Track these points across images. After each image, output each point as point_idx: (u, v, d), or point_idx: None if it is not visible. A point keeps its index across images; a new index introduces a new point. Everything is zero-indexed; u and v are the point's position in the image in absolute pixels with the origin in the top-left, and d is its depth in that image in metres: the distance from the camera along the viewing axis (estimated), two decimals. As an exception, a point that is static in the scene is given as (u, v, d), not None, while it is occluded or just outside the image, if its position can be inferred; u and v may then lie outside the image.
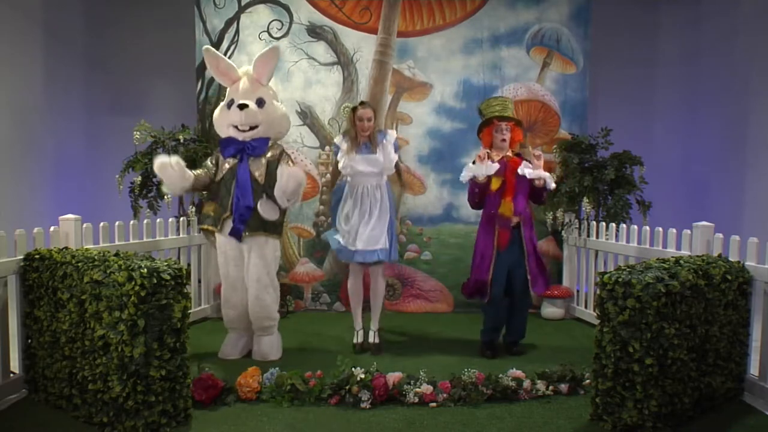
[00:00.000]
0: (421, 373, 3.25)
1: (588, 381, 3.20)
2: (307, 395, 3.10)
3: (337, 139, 4.19)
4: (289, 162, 3.84)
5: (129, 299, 2.57)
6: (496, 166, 3.81)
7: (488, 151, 3.86)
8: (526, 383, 3.20)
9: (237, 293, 3.85)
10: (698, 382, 2.91)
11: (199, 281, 4.92)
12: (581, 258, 5.04)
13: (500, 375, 3.23)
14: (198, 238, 4.83)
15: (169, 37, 6.30)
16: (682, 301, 2.75)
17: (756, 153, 5.55)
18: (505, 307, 3.93)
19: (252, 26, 5.31)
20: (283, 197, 3.64)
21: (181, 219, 4.68)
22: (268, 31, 5.32)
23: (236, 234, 3.71)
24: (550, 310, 5.09)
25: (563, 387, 3.24)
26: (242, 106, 3.69)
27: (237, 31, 5.32)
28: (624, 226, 4.53)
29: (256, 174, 3.72)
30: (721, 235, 3.49)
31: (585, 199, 4.82)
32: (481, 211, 4.02)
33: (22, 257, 3.17)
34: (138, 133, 4.71)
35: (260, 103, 3.78)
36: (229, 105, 3.80)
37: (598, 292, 2.86)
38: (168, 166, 3.52)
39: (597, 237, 4.80)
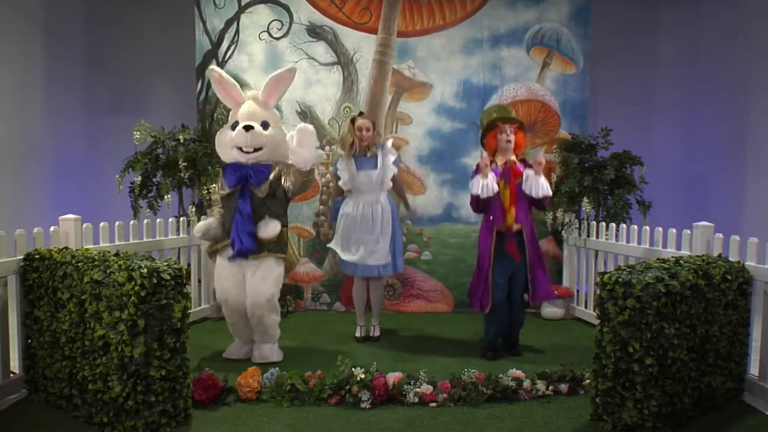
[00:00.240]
0: (421, 373, 3.25)
1: (588, 381, 3.20)
2: (307, 395, 3.11)
3: (339, 162, 4.24)
4: (290, 180, 3.83)
5: (129, 299, 2.57)
6: (495, 188, 3.72)
7: (490, 158, 3.79)
8: (526, 383, 3.20)
9: (237, 309, 3.76)
10: (698, 382, 2.91)
11: (199, 281, 4.92)
12: (581, 258, 5.04)
13: (500, 375, 3.23)
14: (198, 238, 4.82)
15: (169, 37, 6.30)
16: (682, 301, 2.75)
17: (756, 153, 5.55)
18: (507, 313, 3.87)
19: (252, 26, 5.31)
20: (301, 157, 3.80)
21: (181, 219, 4.67)
22: (268, 31, 5.32)
23: (237, 257, 3.72)
24: (550, 310, 5.09)
25: (563, 387, 3.24)
26: (248, 128, 3.66)
27: (237, 31, 5.32)
28: (624, 226, 4.53)
29: (258, 194, 3.71)
30: (721, 235, 3.49)
31: (585, 199, 4.82)
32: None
33: (22, 257, 3.17)
34: (138, 133, 4.71)
35: (265, 126, 3.74)
36: (233, 127, 3.75)
37: (598, 292, 2.86)
38: (209, 228, 3.80)
39: (597, 237, 4.80)
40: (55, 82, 6.13)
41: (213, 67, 3.91)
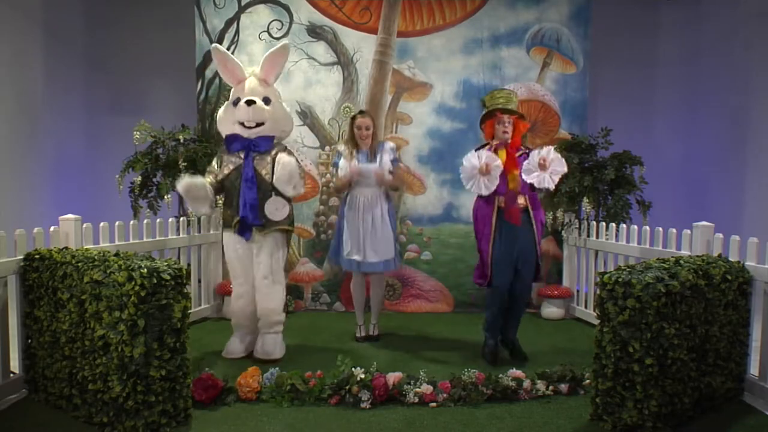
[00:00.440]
0: (421, 373, 3.25)
1: (588, 381, 3.20)
2: (307, 395, 3.11)
3: (340, 147, 4.22)
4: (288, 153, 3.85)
5: (129, 299, 2.57)
6: (496, 181, 3.63)
7: (486, 164, 3.65)
8: (526, 383, 3.20)
9: (247, 290, 3.89)
10: (698, 382, 2.91)
11: (199, 281, 4.92)
12: (581, 258, 5.04)
13: (500, 375, 3.23)
14: (198, 238, 4.83)
15: (169, 37, 6.30)
16: (682, 301, 2.75)
17: (756, 153, 5.55)
18: (506, 295, 3.76)
19: (252, 26, 5.31)
20: (279, 185, 3.68)
21: (181, 219, 4.68)
22: (268, 31, 5.32)
23: (245, 229, 3.76)
24: (550, 310, 5.09)
25: (563, 387, 3.24)
26: (250, 102, 3.72)
27: (237, 31, 5.32)
28: (624, 226, 4.53)
29: (263, 173, 3.74)
30: (721, 235, 3.49)
31: (585, 199, 4.82)
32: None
33: (22, 257, 3.17)
34: (138, 133, 4.71)
35: (266, 101, 3.81)
36: (235, 103, 3.81)
37: (598, 292, 2.86)
38: (194, 188, 3.62)
39: (597, 237, 4.80)
40: (55, 82, 6.13)
41: (216, 45, 3.92)
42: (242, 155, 3.78)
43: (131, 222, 4.16)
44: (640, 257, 4.15)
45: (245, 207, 3.71)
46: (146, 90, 6.58)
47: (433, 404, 3.07)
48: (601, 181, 4.81)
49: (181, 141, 4.79)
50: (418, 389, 3.11)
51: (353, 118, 4.18)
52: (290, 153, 3.88)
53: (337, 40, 5.31)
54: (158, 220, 4.42)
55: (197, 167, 4.73)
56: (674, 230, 3.97)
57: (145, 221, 4.35)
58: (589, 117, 5.45)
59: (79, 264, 2.83)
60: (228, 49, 5.31)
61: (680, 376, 2.75)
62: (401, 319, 5.02)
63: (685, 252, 3.77)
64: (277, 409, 3.01)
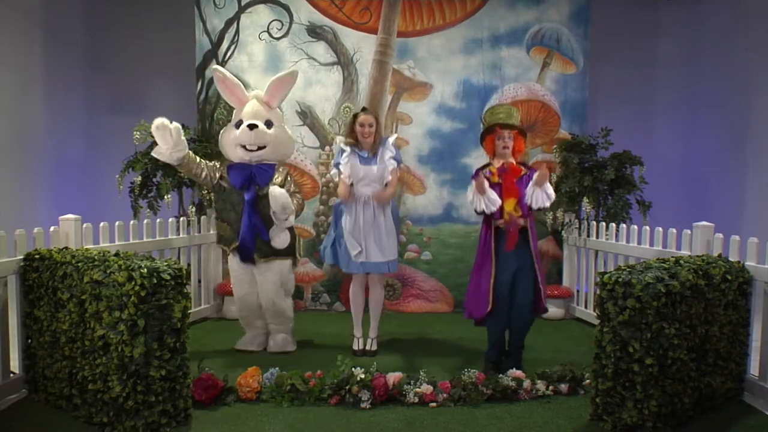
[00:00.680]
0: (421, 373, 3.25)
1: (588, 381, 3.20)
2: (307, 395, 3.11)
3: (338, 143, 4.14)
4: (291, 187, 3.90)
5: (129, 299, 2.57)
6: (497, 201, 3.55)
7: (485, 179, 3.58)
8: (526, 383, 3.20)
9: (250, 304, 3.97)
10: (698, 382, 2.91)
11: (199, 281, 4.92)
12: (581, 258, 5.04)
13: (500, 375, 3.23)
14: (198, 238, 4.83)
15: (169, 37, 6.30)
16: (682, 301, 2.75)
17: (756, 153, 5.55)
18: (507, 316, 3.60)
19: (252, 26, 5.31)
20: (274, 217, 3.75)
21: (182, 219, 4.67)
22: (268, 31, 5.32)
23: (248, 257, 3.83)
24: (550, 310, 5.06)
25: (563, 387, 3.24)
26: (252, 126, 3.73)
27: (237, 31, 5.32)
28: (624, 226, 4.53)
29: (264, 202, 3.76)
30: (721, 235, 3.49)
31: (585, 199, 4.82)
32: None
33: (22, 257, 3.17)
34: (138, 133, 4.71)
35: (268, 125, 3.84)
36: (237, 125, 3.83)
37: (598, 292, 2.86)
38: (167, 129, 3.53)
39: (597, 237, 4.80)
40: (55, 82, 6.13)
41: (216, 66, 3.95)
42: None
43: (131, 222, 4.16)
44: (640, 257, 4.15)
45: (247, 236, 3.76)
46: (146, 90, 6.58)
47: (433, 404, 3.07)
48: (601, 181, 4.81)
49: (181, 141, 4.78)
50: (418, 389, 3.11)
51: (355, 116, 4.03)
52: (294, 184, 3.96)
53: (337, 40, 5.31)
54: (158, 220, 4.42)
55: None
56: (674, 230, 3.97)
57: (145, 221, 4.35)
58: (589, 117, 5.45)
59: (79, 264, 2.83)
60: (228, 49, 5.32)
61: (680, 376, 2.75)
62: (401, 319, 5.02)
63: (685, 252, 3.77)
64: (277, 409, 3.01)
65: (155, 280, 2.63)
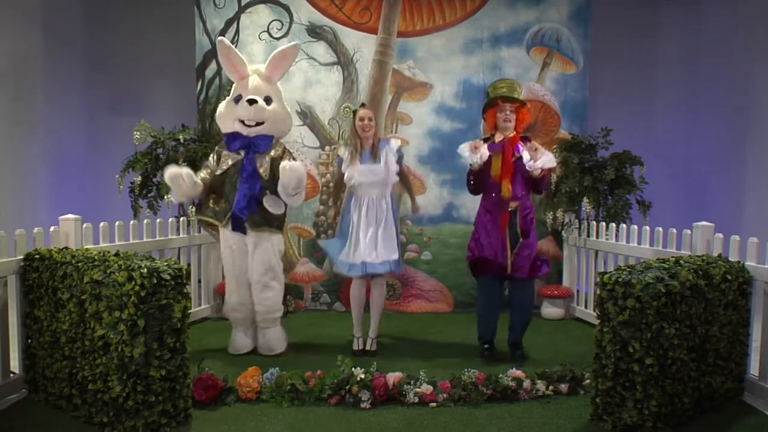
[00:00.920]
0: (421, 373, 3.25)
1: (588, 381, 3.20)
2: (307, 395, 3.11)
3: (340, 151, 4.15)
4: (290, 158, 3.87)
5: (129, 299, 2.57)
6: (486, 153, 3.73)
7: (481, 141, 3.80)
8: (526, 383, 3.20)
9: (242, 287, 3.91)
10: (698, 382, 2.91)
11: (199, 281, 4.92)
12: (581, 258, 5.04)
13: (500, 375, 3.23)
14: (198, 238, 4.83)
15: (169, 37, 6.30)
16: (682, 301, 2.75)
17: (756, 153, 5.55)
18: (499, 293, 3.90)
19: (252, 26, 5.31)
20: (284, 192, 3.70)
21: (182, 219, 4.67)
22: (268, 31, 5.32)
23: (240, 225, 3.78)
24: (550, 310, 5.09)
25: (563, 387, 3.24)
26: (251, 101, 3.75)
27: (237, 31, 5.32)
28: (624, 226, 4.53)
29: (261, 170, 3.77)
30: (721, 235, 3.49)
31: (585, 199, 4.82)
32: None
33: (22, 257, 3.17)
34: (138, 133, 4.71)
35: (268, 101, 3.84)
36: (236, 100, 3.83)
37: (598, 292, 2.86)
38: (179, 177, 3.58)
39: (597, 237, 4.80)
40: (55, 82, 6.13)
41: (222, 38, 3.91)
42: (241, 152, 3.81)
43: (131, 222, 4.16)
44: (640, 257, 4.14)
45: (243, 199, 3.73)
46: (146, 90, 6.58)
47: (433, 404, 3.07)
48: (601, 181, 4.81)
49: (181, 141, 4.78)
50: (418, 389, 3.10)
51: (354, 112, 4.10)
52: (292, 156, 3.91)
53: (337, 40, 5.31)
54: (158, 220, 4.42)
55: (197, 167, 4.71)
56: (674, 230, 3.97)
57: (145, 221, 4.35)
58: (589, 117, 5.45)
59: (79, 264, 2.83)
60: (228, 49, 5.31)
61: (680, 376, 2.75)
62: (401, 319, 5.02)
63: (685, 252, 3.77)
64: (277, 409, 3.01)
65: (155, 280, 2.63)
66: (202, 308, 4.93)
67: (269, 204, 3.76)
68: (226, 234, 3.88)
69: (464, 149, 3.79)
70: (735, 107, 5.78)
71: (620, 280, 2.72)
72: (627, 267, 2.92)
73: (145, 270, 2.62)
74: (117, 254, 2.98)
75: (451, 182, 5.31)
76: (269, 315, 3.89)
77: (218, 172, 3.85)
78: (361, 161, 3.98)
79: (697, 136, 6.27)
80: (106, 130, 6.45)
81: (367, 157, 3.99)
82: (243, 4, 5.31)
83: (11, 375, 3.21)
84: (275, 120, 3.86)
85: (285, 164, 3.64)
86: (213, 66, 5.29)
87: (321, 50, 5.32)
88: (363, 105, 4.18)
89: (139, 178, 4.69)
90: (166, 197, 4.61)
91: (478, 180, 3.84)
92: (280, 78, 3.98)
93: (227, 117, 3.88)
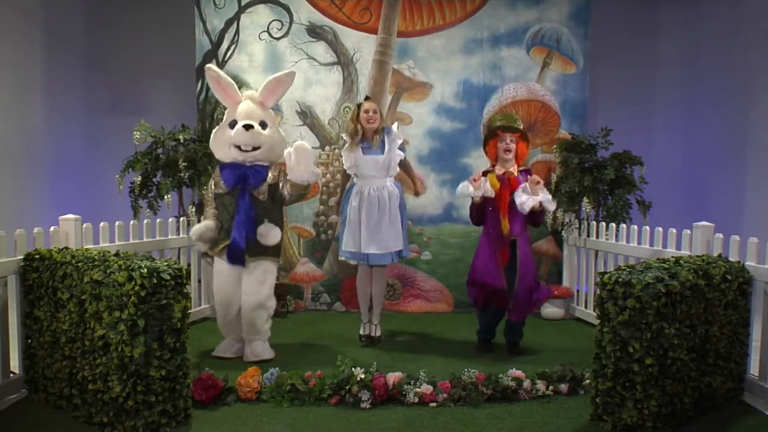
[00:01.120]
0: (421, 373, 3.25)
1: (588, 381, 3.20)
2: (307, 395, 3.10)
3: (345, 136, 4.18)
4: (287, 187, 3.85)
5: (129, 299, 2.57)
6: (489, 189, 3.76)
7: (481, 174, 3.81)
8: (526, 383, 3.19)
9: (230, 313, 3.82)
10: (698, 382, 2.91)
11: (199, 281, 4.92)
12: (581, 258, 5.04)
13: (500, 375, 3.23)
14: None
15: (169, 37, 6.30)
16: (682, 301, 2.75)
17: (756, 153, 5.55)
18: (495, 312, 3.97)
19: (252, 26, 5.31)
20: (299, 170, 3.71)
21: (182, 219, 4.68)
22: (268, 31, 5.32)
23: (238, 259, 3.74)
24: (550, 310, 5.09)
25: (563, 387, 3.24)
26: (248, 127, 3.70)
27: (237, 31, 5.32)
28: (624, 226, 4.53)
29: (259, 197, 3.74)
30: (721, 235, 3.49)
31: (585, 199, 4.82)
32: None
33: (22, 257, 3.17)
34: (138, 133, 4.71)
35: (263, 125, 3.80)
36: (231, 125, 3.78)
37: (598, 292, 2.86)
38: (206, 232, 3.72)
39: (597, 237, 4.80)
40: (55, 82, 6.13)
41: (209, 65, 3.92)
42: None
43: (131, 222, 4.16)
44: (640, 257, 4.14)
45: (240, 235, 3.68)
46: (146, 90, 6.58)
47: (433, 404, 3.07)
48: (601, 181, 4.81)
49: (181, 141, 4.78)
50: (418, 389, 3.10)
51: (359, 105, 4.14)
52: (291, 184, 3.89)
53: (337, 40, 5.31)
54: (158, 220, 4.42)
55: (197, 167, 4.73)
56: (674, 230, 3.97)
57: (145, 221, 4.35)
58: (589, 117, 5.45)
59: (79, 264, 2.83)
60: (228, 49, 5.32)
61: (680, 376, 2.75)
62: (401, 319, 5.02)
63: (685, 252, 3.77)
64: (277, 409, 3.01)
65: (155, 280, 2.63)
66: (202, 308, 4.93)
67: (261, 235, 3.70)
68: (222, 265, 3.80)
69: (464, 188, 3.80)
70: (735, 107, 5.78)
71: (620, 280, 2.72)
72: (627, 267, 2.92)
73: (145, 270, 2.62)
74: (117, 254, 2.98)
75: (451, 182, 5.30)
76: (256, 335, 3.83)
77: (218, 192, 3.84)
78: (364, 152, 3.99)
79: (697, 136, 6.27)
80: (106, 130, 6.45)
81: (368, 146, 4.01)
82: (243, 4, 5.31)
83: (11, 375, 3.21)
84: (272, 145, 3.80)
85: (289, 150, 3.71)
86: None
87: (321, 50, 5.32)
88: (368, 98, 4.20)
89: (139, 178, 4.69)
90: (166, 197, 4.61)
91: (480, 211, 3.86)
92: (274, 104, 3.96)
93: (222, 143, 3.81)
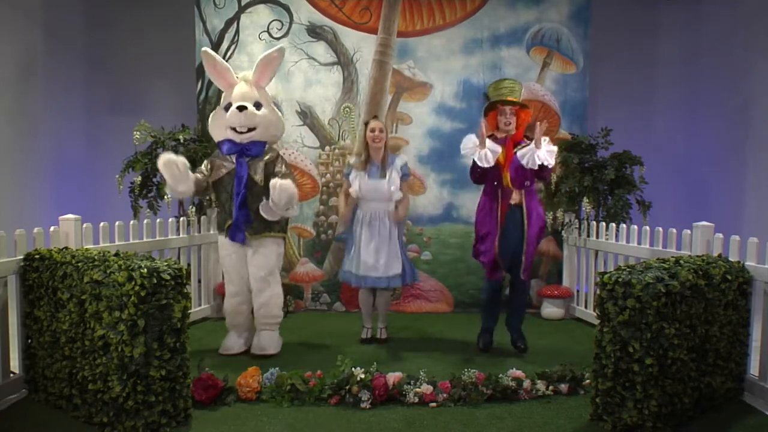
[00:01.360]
0: (421, 373, 3.25)
1: (588, 381, 3.20)
2: (307, 395, 3.11)
3: (352, 160, 4.21)
4: (282, 167, 3.84)
5: (129, 299, 2.57)
6: (498, 150, 3.77)
7: (487, 128, 3.83)
8: (526, 383, 3.20)
9: (241, 292, 3.92)
10: (698, 382, 2.91)
11: (199, 281, 4.92)
12: (581, 258, 5.04)
13: (500, 375, 3.23)
14: (198, 238, 4.83)
15: (169, 37, 6.30)
16: (682, 301, 2.75)
17: (756, 153, 5.55)
18: (500, 290, 4.05)
19: (252, 26, 5.31)
20: (276, 209, 3.66)
21: (182, 219, 4.67)
22: (268, 31, 5.32)
23: (239, 240, 3.79)
24: (550, 310, 5.09)
25: (563, 387, 3.24)
26: (241, 108, 3.72)
27: (237, 31, 5.32)
28: (624, 226, 4.53)
29: (256, 178, 3.75)
30: (721, 235, 3.49)
31: (585, 199, 4.82)
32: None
33: (22, 257, 3.17)
34: (138, 133, 4.71)
35: (257, 106, 3.82)
36: (226, 108, 3.82)
37: (598, 292, 2.86)
38: (173, 165, 3.51)
39: (597, 237, 4.80)
40: (55, 82, 6.13)
41: (205, 48, 3.94)
42: (234, 158, 3.79)
43: (131, 222, 4.16)
44: (640, 257, 4.15)
45: (238, 208, 3.72)
46: (146, 90, 6.58)
47: (433, 404, 3.07)
48: (601, 181, 4.81)
49: (181, 141, 4.79)
50: (418, 389, 3.10)
51: (366, 124, 4.16)
52: (285, 162, 3.89)
53: (337, 40, 5.31)
54: (158, 220, 4.42)
55: (197, 167, 4.72)
56: (674, 230, 3.97)
57: (145, 221, 4.35)
58: (589, 117, 5.45)
59: (79, 264, 2.83)
60: (228, 49, 5.32)
61: (680, 376, 2.75)
62: (401, 319, 5.02)
63: (685, 252, 3.77)
64: (277, 409, 3.01)
65: (155, 280, 2.63)
66: (202, 308, 4.93)
67: (265, 211, 3.74)
68: (226, 242, 3.88)
69: (468, 144, 3.81)
70: (735, 107, 5.78)
71: (620, 280, 2.72)
72: (627, 267, 2.92)
73: (145, 270, 2.62)
74: (117, 254, 2.98)
75: (451, 182, 5.31)
76: (268, 319, 3.89)
77: (212, 178, 3.84)
78: (368, 175, 4.04)
79: (697, 136, 6.27)
80: (106, 130, 6.45)
81: (374, 172, 4.06)
82: (243, 4, 5.31)
83: (11, 375, 3.21)
84: (267, 125, 3.83)
85: (275, 182, 3.56)
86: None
87: (321, 50, 5.32)
88: (375, 117, 4.28)
89: (139, 178, 4.69)
90: (166, 197, 4.61)
91: (484, 171, 3.86)
92: (268, 82, 3.96)
93: (218, 125, 3.86)
